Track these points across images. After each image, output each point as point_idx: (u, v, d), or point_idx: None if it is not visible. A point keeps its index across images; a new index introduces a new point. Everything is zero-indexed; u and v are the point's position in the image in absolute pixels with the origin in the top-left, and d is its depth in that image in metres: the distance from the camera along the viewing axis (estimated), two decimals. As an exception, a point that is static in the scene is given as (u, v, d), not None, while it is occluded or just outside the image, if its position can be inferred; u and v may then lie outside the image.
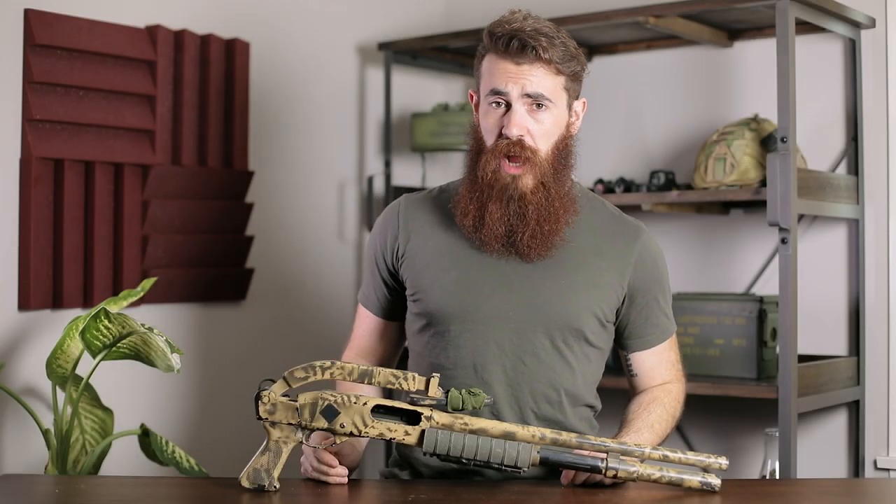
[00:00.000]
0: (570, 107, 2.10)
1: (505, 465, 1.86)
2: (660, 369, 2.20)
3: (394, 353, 2.31)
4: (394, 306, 2.23)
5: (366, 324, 2.26)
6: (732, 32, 3.32)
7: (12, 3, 2.76)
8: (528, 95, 2.03)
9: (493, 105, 2.06)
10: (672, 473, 1.88)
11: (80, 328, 2.53)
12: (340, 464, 1.99)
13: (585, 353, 2.11)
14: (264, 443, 1.91)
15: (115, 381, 2.93)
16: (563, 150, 2.09)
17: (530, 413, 2.08)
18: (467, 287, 2.08)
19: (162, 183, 3.06)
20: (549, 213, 2.05)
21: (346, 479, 1.97)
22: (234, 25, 3.27)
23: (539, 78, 2.03)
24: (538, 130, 2.05)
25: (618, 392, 2.47)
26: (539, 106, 2.04)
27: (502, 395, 2.07)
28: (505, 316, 2.07)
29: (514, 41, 2.02)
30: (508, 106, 2.04)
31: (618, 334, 2.18)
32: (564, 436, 1.87)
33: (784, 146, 2.73)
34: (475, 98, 2.14)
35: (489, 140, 2.07)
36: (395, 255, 2.17)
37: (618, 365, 2.33)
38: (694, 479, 1.89)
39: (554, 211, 2.05)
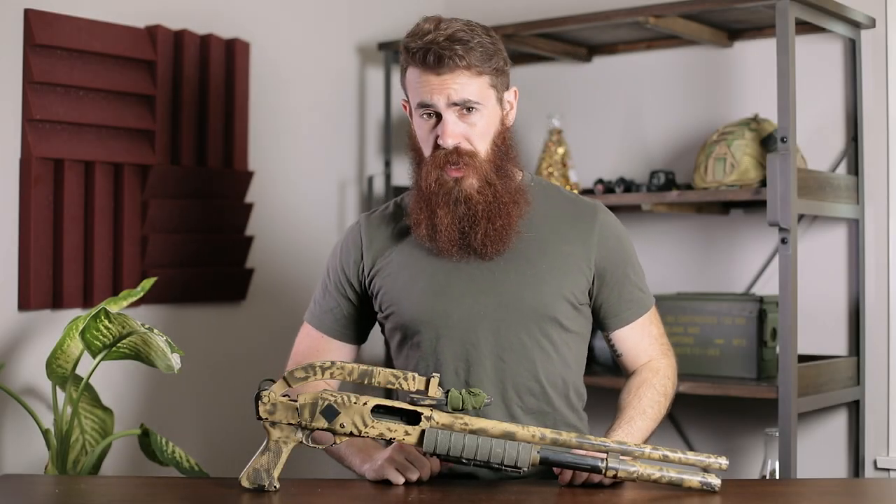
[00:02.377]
0: (500, 101, 2.10)
1: (505, 465, 1.86)
2: (644, 345, 2.20)
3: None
4: (346, 327, 2.22)
5: (308, 342, 2.26)
6: (732, 32, 3.31)
7: (12, 3, 2.76)
8: (455, 104, 2.03)
9: (425, 116, 2.06)
10: (672, 473, 1.88)
11: (80, 328, 2.53)
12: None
13: (564, 340, 2.12)
14: (264, 443, 1.91)
15: (115, 381, 2.93)
16: (503, 144, 2.09)
17: (517, 409, 2.08)
18: (436, 294, 2.09)
19: (161, 183, 3.06)
20: (498, 210, 2.05)
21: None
22: (234, 25, 3.27)
23: (462, 84, 2.03)
24: (473, 133, 2.05)
25: (614, 392, 2.47)
26: (469, 110, 2.05)
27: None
28: (479, 316, 2.07)
29: (429, 55, 2.01)
30: (439, 116, 2.05)
31: (596, 316, 2.18)
32: (564, 436, 1.87)
33: (784, 146, 2.73)
34: (408, 108, 2.13)
35: (426, 150, 2.08)
36: (360, 274, 2.18)
37: (616, 366, 2.32)
38: (694, 479, 1.89)
39: (503, 206, 2.06)
